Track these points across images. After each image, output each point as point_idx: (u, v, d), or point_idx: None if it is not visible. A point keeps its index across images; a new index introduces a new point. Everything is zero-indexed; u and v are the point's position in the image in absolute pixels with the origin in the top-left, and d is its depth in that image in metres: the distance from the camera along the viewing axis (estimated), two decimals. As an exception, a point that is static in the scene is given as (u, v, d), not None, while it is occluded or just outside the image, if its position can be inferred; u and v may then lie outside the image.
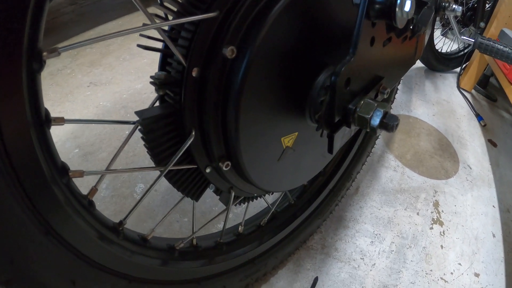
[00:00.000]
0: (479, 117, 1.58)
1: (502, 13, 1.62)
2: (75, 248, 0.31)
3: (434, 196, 1.10)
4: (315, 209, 0.76)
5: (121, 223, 0.37)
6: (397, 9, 0.33)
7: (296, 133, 0.42)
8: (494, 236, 1.06)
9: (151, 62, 1.40)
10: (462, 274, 0.92)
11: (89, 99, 1.16)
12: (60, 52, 0.25)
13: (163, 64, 0.33)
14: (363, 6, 0.34)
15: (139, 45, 0.33)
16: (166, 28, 0.33)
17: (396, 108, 1.48)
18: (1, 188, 0.24)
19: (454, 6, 0.97)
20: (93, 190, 0.34)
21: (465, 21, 1.86)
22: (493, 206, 1.16)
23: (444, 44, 1.94)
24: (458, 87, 1.82)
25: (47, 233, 0.28)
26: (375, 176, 1.11)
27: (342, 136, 0.41)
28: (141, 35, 0.30)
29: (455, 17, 1.01)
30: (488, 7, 1.91)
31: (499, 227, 1.10)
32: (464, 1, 1.77)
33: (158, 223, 0.45)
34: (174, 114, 0.33)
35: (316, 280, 0.77)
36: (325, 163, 0.59)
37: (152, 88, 1.18)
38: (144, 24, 0.29)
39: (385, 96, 0.43)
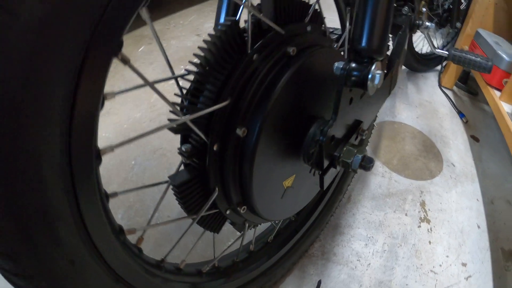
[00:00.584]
0: (461, 114, 1.68)
1: (476, 13, 1.71)
2: (134, 286, 0.41)
3: (421, 196, 1.20)
4: (313, 222, 0.86)
5: (162, 260, 0.47)
6: (368, 82, 0.43)
7: (294, 175, 0.52)
8: (479, 227, 1.16)
9: (147, 90, 1.44)
10: (450, 265, 1.02)
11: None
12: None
13: (185, 137, 0.43)
14: (341, 79, 0.44)
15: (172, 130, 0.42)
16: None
17: (381, 116, 1.57)
18: (85, 255, 0.33)
19: (427, 23, 1.06)
20: (140, 239, 0.43)
21: (441, 22, 1.90)
22: (477, 199, 1.27)
23: (424, 45, 2.02)
24: (440, 85, 1.90)
25: (117, 280, 0.37)
26: (365, 183, 1.20)
27: (331, 174, 0.51)
28: (169, 128, 0.39)
29: (428, 30, 1.10)
30: (463, 7, 1.97)
31: (483, 218, 1.20)
32: (439, 2, 1.82)
33: (188, 253, 0.55)
34: (200, 176, 0.42)
35: (319, 283, 0.87)
36: (315, 192, 0.69)
37: (152, 116, 1.25)
38: (171, 120, 0.39)
39: (364, 137, 0.53)
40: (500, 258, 1.09)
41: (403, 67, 2.00)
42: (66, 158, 0.27)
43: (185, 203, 0.42)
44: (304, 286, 0.86)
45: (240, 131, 0.40)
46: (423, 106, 1.73)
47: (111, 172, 1.06)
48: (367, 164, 0.47)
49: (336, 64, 0.44)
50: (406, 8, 0.99)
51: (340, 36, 0.77)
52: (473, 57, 1.02)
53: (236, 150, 0.42)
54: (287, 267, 0.82)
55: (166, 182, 0.43)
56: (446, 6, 1.90)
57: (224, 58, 0.39)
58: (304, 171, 0.55)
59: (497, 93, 1.35)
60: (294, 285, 0.86)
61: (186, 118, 0.37)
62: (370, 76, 0.43)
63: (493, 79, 1.39)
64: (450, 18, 1.91)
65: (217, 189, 0.43)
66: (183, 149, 0.41)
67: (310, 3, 0.51)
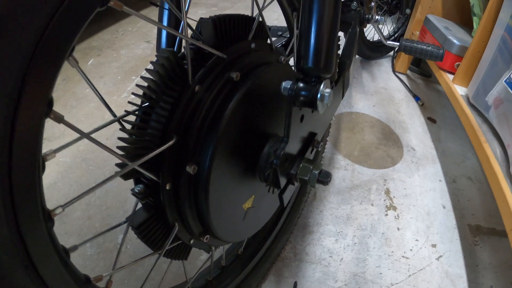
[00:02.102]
0: (416, 98, 1.73)
1: (424, 1, 1.74)
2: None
3: (385, 184, 1.23)
4: (281, 227, 0.86)
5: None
6: (318, 102, 0.43)
7: (253, 196, 0.52)
8: (444, 207, 1.21)
9: (98, 105, 1.39)
10: (420, 248, 1.06)
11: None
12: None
13: (137, 178, 0.42)
14: (289, 100, 0.43)
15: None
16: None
17: (338, 108, 1.59)
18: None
19: (377, 17, 1.07)
20: (109, 283, 0.42)
21: (391, 10, 1.95)
22: (440, 180, 1.31)
23: (376, 33, 2.06)
24: (394, 71, 1.95)
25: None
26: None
27: (289, 190, 0.51)
28: (119, 174, 0.38)
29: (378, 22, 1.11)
30: None
31: (447, 198, 1.25)
32: None
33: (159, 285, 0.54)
34: (158, 213, 0.42)
35: (295, 284, 0.88)
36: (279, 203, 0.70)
37: (107, 135, 1.22)
38: (119, 167, 0.38)
39: (320, 149, 0.53)
40: (468, 234, 1.14)
41: (356, 56, 2.05)
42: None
43: (147, 241, 0.41)
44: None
45: (190, 169, 0.39)
46: (379, 94, 1.77)
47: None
48: (324, 179, 0.47)
49: (283, 84, 0.44)
50: (354, 3, 0.99)
51: (288, 39, 0.77)
52: (424, 47, 1.04)
53: (189, 187, 0.41)
54: (262, 275, 0.82)
55: (125, 222, 0.42)
56: None
57: (165, 93, 0.38)
58: (262, 188, 0.55)
59: (450, 77, 1.40)
60: None
61: (134, 164, 0.36)
62: (319, 96, 0.43)
63: (445, 63, 1.43)
64: (400, 5, 1.96)
65: (176, 224, 0.42)
66: (136, 190, 0.40)
67: (253, 15, 0.51)
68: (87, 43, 1.82)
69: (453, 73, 1.40)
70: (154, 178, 0.38)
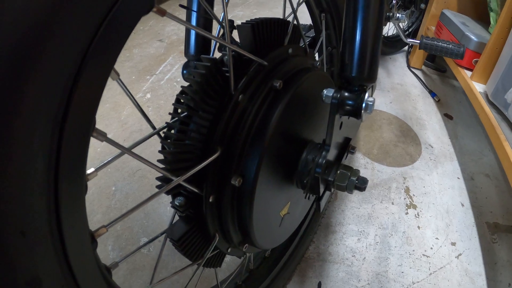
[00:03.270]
0: (432, 94, 1.72)
1: None
2: None
3: (404, 182, 1.23)
4: (306, 228, 0.86)
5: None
6: (362, 111, 0.42)
7: (289, 202, 0.51)
8: (463, 205, 1.20)
9: (114, 106, 1.38)
10: (441, 246, 1.06)
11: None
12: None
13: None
14: (333, 109, 0.43)
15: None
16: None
17: None
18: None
19: (398, 15, 1.05)
20: None
21: (406, 4, 1.92)
22: (458, 177, 1.30)
23: (390, 28, 2.04)
24: (409, 66, 1.94)
25: None
26: None
27: (326, 196, 0.50)
28: (164, 190, 0.38)
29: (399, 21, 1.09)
30: None
31: (466, 196, 1.24)
32: None
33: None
34: (198, 225, 0.41)
35: (319, 284, 0.88)
36: (309, 206, 0.69)
37: (124, 135, 1.21)
38: (161, 181, 0.37)
39: (354, 153, 0.53)
40: (486, 232, 1.13)
41: None
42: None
43: (186, 253, 0.41)
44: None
45: (235, 181, 0.39)
46: (395, 90, 1.75)
47: (93, 202, 1.03)
48: (361, 185, 0.47)
49: (325, 92, 0.43)
50: None
51: (312, 39, 0.76)
52: (445, 45, 1.03)
53: (233, 199, 0.40)
54: (287, 276, 0.82)
55: (162, 234, 0.42)
56: None
57: (207, 103, 0.37)
58: (298, 194, 0.55)
59: (468, 73, 1.38)
60: None
61: (179, 180, 0.35)
62: (364, 105, 0.42)
63: (464, 61, 1.41)
64: (415, 0, 1.93)
65: (217, 235, 0.42)
66: (177, 203, 0.39)
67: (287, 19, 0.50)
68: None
69: (471, 70, 1.38)
70: (197, 191, 0.38)
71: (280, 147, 0.44)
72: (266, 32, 0.43)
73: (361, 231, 1.04)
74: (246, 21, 0.42)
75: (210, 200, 0.39)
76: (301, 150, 0.48)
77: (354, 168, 0.50)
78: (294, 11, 0.49)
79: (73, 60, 0.21)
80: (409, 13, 2.08)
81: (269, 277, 0.72)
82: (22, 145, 0.20)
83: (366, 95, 0.42)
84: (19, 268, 0.22)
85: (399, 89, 1.77)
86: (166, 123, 0.41)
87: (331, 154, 0.48)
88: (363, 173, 1.23)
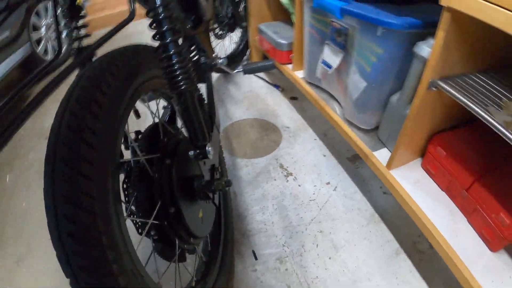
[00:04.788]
0: (276, 86, 2.19)
1: (253, 11, 2.09)
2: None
3: (278, 162, 1.64)
4: (225, 221, 1.24)
5: None
6: (208, 155, 0.83)
7: (201, 209, 0.90)
8: (324, 156, 1.65)
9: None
10: (320, 189, 1.48)
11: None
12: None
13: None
14: (196, 160, 0.83)
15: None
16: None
17: (222, 125, 1.89)
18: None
19: (220, 60, 1.36)
20: None
21: (231, 27, 2.21)
22: (315, 139, 1.76)
23: (226, 47, 2.39)
24: None
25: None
26: (239, 178, 1.57)
27: (215, 196, 0.91)
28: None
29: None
30: (242, 8, 2.25)
31: (325, 148, 1.70)
32: (223, 13, 2.09)
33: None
34: (165, 239, 0.78)
35: (253, 252, 1.25)
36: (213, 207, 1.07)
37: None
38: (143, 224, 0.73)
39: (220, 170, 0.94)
40: (349, 164, 1.61)
41: (216, 73, 2.35)
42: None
43: (165, 256, 0.77)
44: (246, 260, 1.24)
45: (172, 210, 0.75)
46: (247, 98, 2.14)
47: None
48: (229, 184, 0.88)
49: (190, 153, 0.82)
50: (202, 58, 1.19)
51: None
52: (259, 65, 1.44)
53: (174, 218, 0.77)
54: (230, 256, 1.19)
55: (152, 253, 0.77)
56: (229, 14, 2.16)
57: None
58: (203, 204, 0.93)
59: (290, 67, 1.84)
60: (240, 264, 1.23)
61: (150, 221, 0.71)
62: (207, 153, 0.81)
63: (283, 58, 1.86)
64: (236, 21, 2.19)
65: (176, 240, 0.78)
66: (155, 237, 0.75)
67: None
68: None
69: (291, 63, 1.85)
70: (158, 222, 0.75)
71: (185, 192, 0.82)
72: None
73: (262, 207, 1.43)
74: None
75: (165, 223, 0.75)
76: (194, 184, 0.87)
77: (225, 178, 0.91)
78: (160, 119, 0.88)
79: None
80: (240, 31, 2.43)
81: (218, 261, 1.09)
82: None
83: (207, 148, 0.80)
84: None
85: (250, 96, 2.16)
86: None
87: (207, 179, 0.88)
88: (244, 170, 1.61)
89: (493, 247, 0.95)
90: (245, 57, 2.48)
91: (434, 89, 0.91)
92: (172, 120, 1.04)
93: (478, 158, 1.03)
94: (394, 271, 1.19)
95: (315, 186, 1.52)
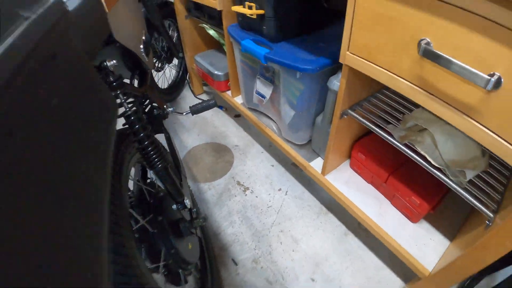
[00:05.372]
0: (220, 107, 2.41)
1: (187, 42, 2.18)
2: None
3: (235, 179, 1.86)
4: (206, 245, 1.50)
5: None
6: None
7: (189, 243, 1.15)
8: (272, 166, 1.94)
9: None
10: (274, 196, 1.75)
11: None
12: None
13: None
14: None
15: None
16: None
17: (182, 155, 2.04)
18: None
19: (170, 109, 1.56)
20: None
21: (169, 59, 2.35)
22: (262, 152, 2.06)
23: (164, 80, 2.48)
24: (195, 96, 2.50)
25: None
26: (205, 201, 1.74)
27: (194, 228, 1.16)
28: None
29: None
30: (176, 39, 2.35)
31: (272, 159, 1.97)
32: (158, 48, 2.22)
33: None
34: (173, 277, 1.03)
35: (233, 260, 1.54)
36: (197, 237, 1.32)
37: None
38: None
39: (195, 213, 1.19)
40: (294, 169, 1.89)
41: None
42: None
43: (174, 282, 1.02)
44: (229, 267, 1.48)
45: (172, 251, 1.00)
46: (196, 124, 2.30)
47: None
48: (205, 220, 1.14)
49: (173, 207, 1.07)
50: (155, 110, 1.27)
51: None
52: (204, 104, 1.61)
53: (174, 258, 1.02)
54: (217, 271, 1.45)
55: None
56: (165, 47, 2.30)
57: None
58: (190, 238, 1.17)
59: (229, 93, 2.06)
60: (225, 271, 1.48)
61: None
62: (186, 204, 1.07)
63: (222, 87, 2.04)
64: (172, 53, 2.35)
65: (179, 271, 1.03)
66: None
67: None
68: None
69: (229, 90, 2.06)
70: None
71: (176, 235, 1.06)
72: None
73: (230, 221, 1.67)
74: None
75: (170, 262, 1.00)
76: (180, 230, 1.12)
77: (201, 216, 1.18)
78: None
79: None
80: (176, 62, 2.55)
81: (208, 274, 1.34)
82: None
83: (185, 199, 1.07)
84: None
85: (198, 121, 2.31)
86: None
87: (188, 219, 1.13)
88: (209, 193, 1.78)
89: (413, 220, 1.29)
90: (187, 82, 2.64)
91: (345, 116, 1.22)
92: (144, 175, 1.25)
93: (389, 157, 1.37)
94: (345, 249, 1.52)
95: (269, 194, 1.80)
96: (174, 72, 2.61)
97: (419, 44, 0.78)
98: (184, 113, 1.50)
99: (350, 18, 0.94)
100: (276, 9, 1.37)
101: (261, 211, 1.73)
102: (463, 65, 0.69)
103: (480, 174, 0.98)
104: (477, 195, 0.92)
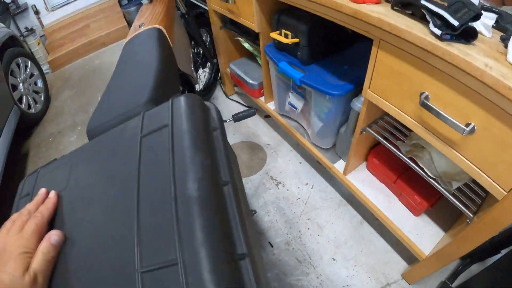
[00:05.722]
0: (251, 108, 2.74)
1: (221, 50, 2.37)
2: None
3: (268, 175, 2.13)
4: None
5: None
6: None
7: None
8: (300, 163, 2.22)
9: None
10: (302, 189, 2.06)
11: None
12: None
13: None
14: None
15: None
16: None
17: None
18: None
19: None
20: None
21: (203, 64, 2.60)
22: (291, 150, 2.36)
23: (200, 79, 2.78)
24: (227, 97, 2.71)
25: None
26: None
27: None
28: None
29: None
30: (209, 43, 2.49)
31: (300, 157, 2.26)
32: (194, 51, 2.43)
33: None
34: None
35: (269, 243, 1.91)
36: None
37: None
38: None
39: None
40: (319, 167, 2.19)
41: None
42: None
43: None
44: (266, 249, 1.85)
45: None
46: (231, 123, 2.47)
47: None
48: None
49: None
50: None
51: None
52: (245, 113, 1.94)
53: None
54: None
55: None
56: (200, 53, 2.46)
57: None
58: None
59: (262, 99, 2.33)
60: (264, 252, 1.87)
61: None
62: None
63: (256, 93, 2.29)
64: (207, 59, 2.55)
65: None
66: None
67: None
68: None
69: (263, 96, 2.33)
70: None
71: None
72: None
73: (266, 211, 2.00)
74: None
75: None
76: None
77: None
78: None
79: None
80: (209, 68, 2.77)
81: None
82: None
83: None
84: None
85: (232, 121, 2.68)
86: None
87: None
88: (247, 187, 2.03)
89: (415, 214, 1.63)
90: (218, 83, 2.89)
91: (364, 132, 1.55)
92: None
93: (398, 163, 1.69)
94: (361, 235, 1.86)
95: (298, 187, 2.13)
96: (207, 74, 2.76)
97: (420, 95, 1.10)
98: (227, 120, 1.75)
99: (372, 67, 1.26)
100: (309, 39, 1.69)
101: (292, 202, 2.06)
102: (448, 116, 1.01)
103: (468, 183, 1.31)
104: (462, 200, 1.26)
